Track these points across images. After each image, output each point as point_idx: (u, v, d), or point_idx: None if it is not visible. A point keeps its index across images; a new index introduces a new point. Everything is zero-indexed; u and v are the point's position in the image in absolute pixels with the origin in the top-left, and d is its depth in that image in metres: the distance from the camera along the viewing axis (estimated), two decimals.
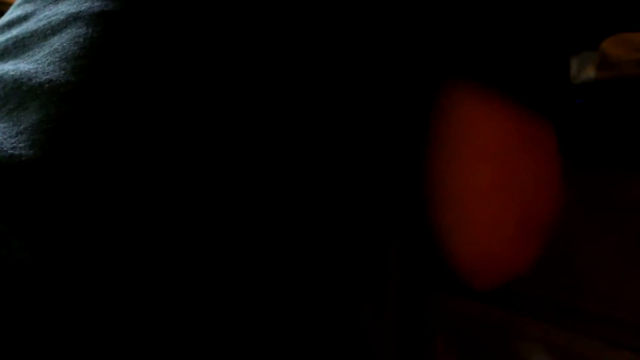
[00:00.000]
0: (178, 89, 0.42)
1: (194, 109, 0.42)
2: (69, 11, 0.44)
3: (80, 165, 0.37)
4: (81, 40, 0.41)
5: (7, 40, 0.46)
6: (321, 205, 0.46)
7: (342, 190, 0.48)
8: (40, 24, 0.45)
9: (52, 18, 0.44)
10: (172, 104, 0.41)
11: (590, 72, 0.71)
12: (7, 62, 0.43)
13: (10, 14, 0.51)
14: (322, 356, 0.49)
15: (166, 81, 0.42)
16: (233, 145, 0.43)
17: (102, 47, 0.41)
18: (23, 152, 0.37)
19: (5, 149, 0.37)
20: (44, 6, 0.47)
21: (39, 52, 0.42)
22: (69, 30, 0.42)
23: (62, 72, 0.40)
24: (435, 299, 0.78)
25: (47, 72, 0.40)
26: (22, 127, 0.38)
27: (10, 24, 0.48)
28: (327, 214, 0.47)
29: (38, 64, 0.41)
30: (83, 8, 0.43)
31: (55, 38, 0.42)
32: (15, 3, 0.52)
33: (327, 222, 0.47)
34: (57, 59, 0.41)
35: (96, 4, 0.43)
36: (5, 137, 0.38)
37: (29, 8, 0.48)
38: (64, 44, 0.41)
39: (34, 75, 0.40)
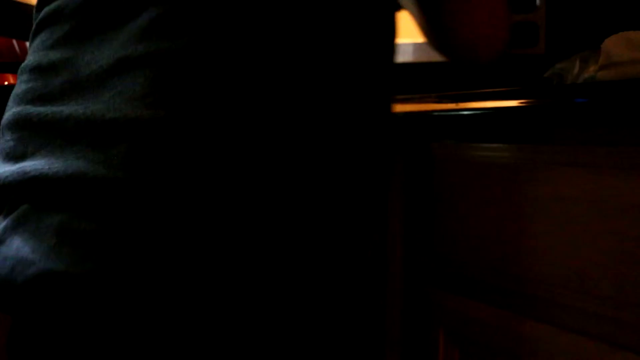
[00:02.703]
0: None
1: (208, 114, 0.46)
2: (116, 55, 0.49)
3: (159, 184, 0.44)
4: (141, 80, 0.47)
5: (60, 83, 0.51)
6: (319, 202, 0.47)
7: (340, 186, 0.48)
8: (91, 68, 0.50)
9: (102, 62, 0.50)
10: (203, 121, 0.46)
11: (592, 72, 0.71)
12: (67, 103, 0.50)
13: (41, 58, 0.54)
14: (322, 356, 0.50)
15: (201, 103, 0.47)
16: (236, 147, 0.44)
17: (158, 84, 0.47)
18: (116, 174, 0.44)
19: (96, 172, 0.45)
20: (84, 50, 0.52)
21: (102, 93, 0.49)
22: (125, 73, 0.48)
23: (135, 108, 0.46)
24: (437, 299, 0.78)
25: (119, 110, 0.47)
26: (109, 155, 0.45)
27: (49, 67, 0.53)
28: (326, 210, 0.47)
29: (108, 104, 0.48)
30: (129, 52, 0.49)
31: (115, 80, 0.49)
32: (40, 46, 0.56)
33: (327, 219, 0.47)
34: (126, 98, 0.47)
35: (139, 47, 0.49)
36: (92, 163, 0.46)
37: (66, 53, 0.53)
38: (127, 85, 0.48)
39: (106, 112, 0.47)
